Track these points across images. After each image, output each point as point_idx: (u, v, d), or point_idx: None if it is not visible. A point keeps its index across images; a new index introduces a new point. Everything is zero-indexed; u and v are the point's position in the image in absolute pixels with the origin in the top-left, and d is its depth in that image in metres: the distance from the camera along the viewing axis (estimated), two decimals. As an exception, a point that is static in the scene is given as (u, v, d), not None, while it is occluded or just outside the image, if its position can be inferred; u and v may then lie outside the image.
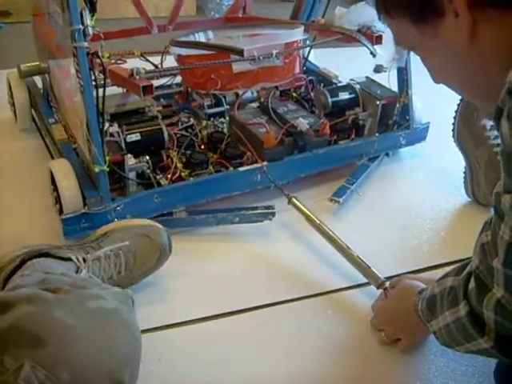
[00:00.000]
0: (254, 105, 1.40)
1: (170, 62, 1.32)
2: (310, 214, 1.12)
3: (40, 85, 1.45)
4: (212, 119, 1.36)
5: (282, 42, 1.16)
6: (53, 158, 1.30)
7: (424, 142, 1.44)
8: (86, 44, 0.97)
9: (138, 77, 1.06)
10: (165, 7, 1.65)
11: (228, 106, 1.41)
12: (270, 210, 1.13)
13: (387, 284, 0.96)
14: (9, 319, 0.66)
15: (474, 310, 0.64)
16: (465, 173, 1.28)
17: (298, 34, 1.18)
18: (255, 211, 1.13)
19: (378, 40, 1.27)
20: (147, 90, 1.03)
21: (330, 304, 0.99)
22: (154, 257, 0.97)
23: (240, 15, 1.65)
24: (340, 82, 1.52)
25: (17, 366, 0.62)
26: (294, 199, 1.15)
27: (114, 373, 0.68)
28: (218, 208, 1.15)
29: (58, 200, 1.08)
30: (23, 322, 0.66)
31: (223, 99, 1.40)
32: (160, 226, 1.00)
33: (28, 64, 1.34)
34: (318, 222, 1.09)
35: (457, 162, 1.30)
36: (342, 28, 1.24)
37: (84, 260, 0.89)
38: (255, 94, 1.45)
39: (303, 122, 1.21)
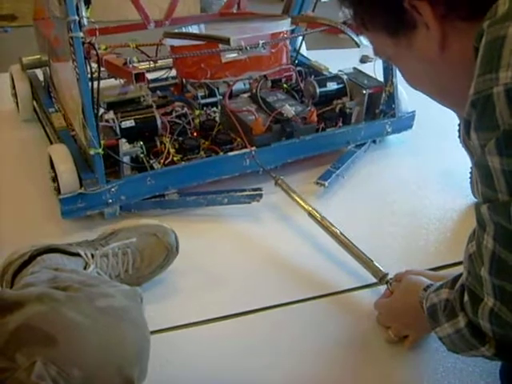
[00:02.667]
0: (246, 95, 1.46)
1: (164, 54, 1.39)
2: (295, 194, 1.17)
3: (41, 77, 1.52)
4: (205, 108, 1.42)
5: (268, 33, 1.22)
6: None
7: (410, 130, 1.50)
8: (81, 34, 1.04)
9: (131, 65, 1.12)
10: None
11: (221, 97, 1.47)
12: (257, 192, 1.19)
13: (389, 277, 0.97)
14: (20, 318, 0.67)
15: (472, 321, 0.64)
16: (471, 173, 1.29)
17: (283, 26, 1.24)
18: (243, 193, 1.19)
19: (362, 31, 1.32)
20: (139, 77, 1.09)
21: (320, 287, 1.03)
22: (161, 256, 0.99)
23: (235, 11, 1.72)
24: (330, 73, 1.58)
25: (29, 363, 0.62)
26: (280, 181, 1.20)
27: (123, 370, 0.68)
28: (208, 190, 1.20)
29: (55, 182, 1.15)
30: (34, 320, 0.67)
31: (216, 90, 1.47)
32: (167, 226, 1.01)
33: (30, 57, 1.41)
34: (302, 202, 1.15)
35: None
36: (328, 20, 1.29)
37: (92, 256, 0.92)
38: (247, 86, 1.52)
39: (289, 109, 1.27)
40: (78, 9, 1.03)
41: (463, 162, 1.17)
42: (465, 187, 1.26)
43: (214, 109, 1.42)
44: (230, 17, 1.65)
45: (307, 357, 0.90)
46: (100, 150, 1.09)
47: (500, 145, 0.50)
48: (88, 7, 1.06)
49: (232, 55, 1.20)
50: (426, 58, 0.61)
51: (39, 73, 1.52)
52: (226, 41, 1.09)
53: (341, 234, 1.07)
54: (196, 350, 0.91)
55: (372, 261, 1.01)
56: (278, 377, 0.87)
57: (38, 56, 1.39)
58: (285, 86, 1.53)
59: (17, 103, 1.51)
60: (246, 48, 1.15)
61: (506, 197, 0.52)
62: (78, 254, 0.92)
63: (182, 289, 1.02)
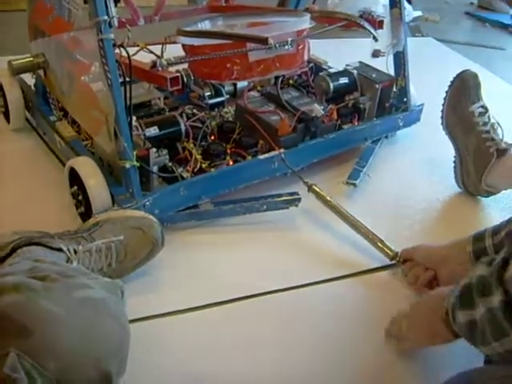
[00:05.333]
0: (254, 93, 1.40)
1: (169, 52, 1.30)
2: (330, 200, 1.14)
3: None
4: (217, 109, 1.35)
5: (295, 30, 1.16)
6: (57, 156, 1.26)
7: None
8: (112, 36, 0.94)
9: (160, 68, 1.04)
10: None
11: (228, 96, 1.41)
12: (295, 197, 1.14)
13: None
14: None
15: (510, 300, 0.59)
16: (455, 162, 1.31)
17: (307, 22, 1.19)
18: (281, 198, 1.14)
19: (379, 25, 1.30)
20: (174, 81, 1.01)
21: (362, 284, 1.03)
22: (145, 250, 0.97)
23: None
24: (330, 67, 1.55)
25: (2, 355, 0.61)
26: (314, 187, 1.16)
27: (101, 363, 0.67)
28: (243, 198, 1.14)
29: (82, 200, 1.05)
30: (9, 310, 0.65)
31: (222, 89, 1.40)
32: (153, 218, 0.99)
33: (20, 60, 1.27)
34: (340, 207, 1.12)
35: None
36: (346, 14, 1.26)
37: (75, 251, 0.89)
38: (251, 83, 1.46)
39: (318, 108, 1.22)
40: (107, 7, 0.93)
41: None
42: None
43: (226, 109, 1.36)
44: (223, 11, 1.58)
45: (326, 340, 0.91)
46: (135, 162, 1.00)
47: None
48: (116, 5, 0.96)
49: (260, 54, 1.13)
50: None
51: (25, 76, 1.39)
52: (264, 40, 1.03)
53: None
54: (191, 335, 0.90)
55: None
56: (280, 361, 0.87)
57: (30, 58, 1.26)
58: (290, 82, 1.49)
59: (4, 112, 1.37)
60: (275, 46, 1.09)
61: None
62: (60, 250, 0.87)
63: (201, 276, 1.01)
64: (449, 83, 1.28)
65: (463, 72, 1.27)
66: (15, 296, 0.67)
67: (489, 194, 1.26)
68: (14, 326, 0.64)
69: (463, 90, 1.26)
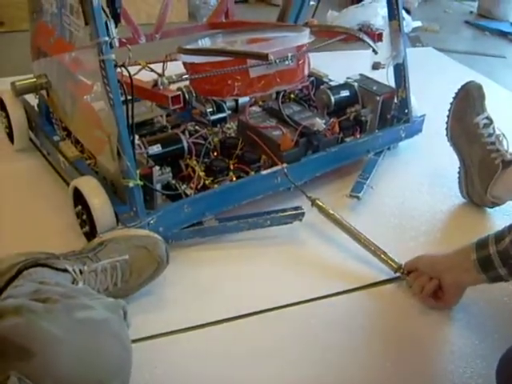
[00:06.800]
0: (256, 108, 1.41)
1: (171, 69, 1.31)
2: (333, 213, 1.14)
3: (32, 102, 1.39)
4: (219, 125, 1.36)
5: (295, 45, 1.17)
6: (61, 176, 1.26)
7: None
8: (113, 56, 0.95)
9: (162, 87, 1.05)
10: (156, 14, 1.65)
11: (230, 112, 1.42)
12: (299, 211, 1.14)
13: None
14: None
15: None
16: (459, 173, 1.31)
17: (306, 37, 1.20)
18: (285, 213, 1.14)
19: (378, 37, 1.31)
20: (176, 100, 1.02)
21: (367, 297, 1.03)
22: (151, 268, 0.97)
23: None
24: (331, 80, 1.55)
25: (3, 378, 0.61)
26: (317, 201, 1.16)
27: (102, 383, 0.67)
28: (247, 213, 1.14)
29: (86, 220, 1.05)
30: (10, 333, 0.65)
31: (224, 105, 1.40)
32: (158, 236, 0.99)
33: (23, 81, 1.28)
34: (344, 221, 1.12)
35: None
36: (345, 28, 1.27)
37: (81, 272, 0.88)
38: (252, 99, 1.46)
39: (320, 122, 1.23)
40: (107, 28, 0.94)
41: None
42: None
43: (228, 125, 1.36)
44: (222, 27, 1.59)
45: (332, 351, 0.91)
46: (139, 181, 1.01)
47: None
48: (116, 26, 0.97)
49: (261, 70, 1.14)
50: None
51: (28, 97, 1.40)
52: (264, 57, 1.03)
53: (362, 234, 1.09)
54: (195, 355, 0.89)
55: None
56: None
57: (33, 79, 1.27)
58: (292, 96, 1.50)
59: (8, 133, 1.38)
60: (275, 62, 1.10)
61: None
62: (66, 270, 0.87)
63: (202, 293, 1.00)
64: (452, 94, 1.29)
65: (468, 83, 1.28)
66: (15, 319, 0.67)
67: (494, 205, 1.26)
68: (15, 349, 0.64)
69: (468, 101, 1.26)
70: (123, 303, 0.81)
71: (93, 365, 0.67)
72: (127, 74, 0.99)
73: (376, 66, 1.39)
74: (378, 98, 1.39)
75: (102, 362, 0.69)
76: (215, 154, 1.27)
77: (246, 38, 1.33)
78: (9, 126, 1.36)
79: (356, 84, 1.44)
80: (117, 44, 0.96)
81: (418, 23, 2.75)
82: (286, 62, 1.13)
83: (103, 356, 0.69)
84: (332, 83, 1.50)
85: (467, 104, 1.26)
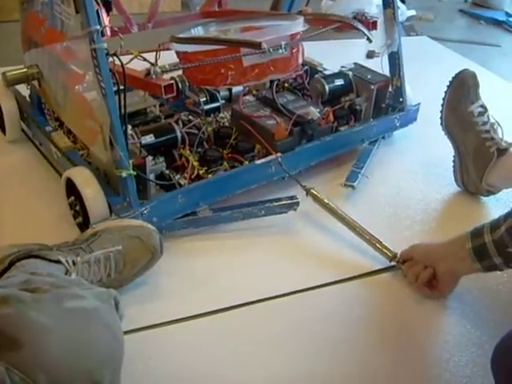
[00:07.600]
0: (250, 97, 1.40)
1: (164, 59, 1.30)
2: (328, 203, 1.14)
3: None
4: (212, 115, 1.35)
5: (288, 33, 1.16)
6: (53, 167, 1.25)
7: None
8: (105, 45, 0.94)
9: (154, 76, 1.03)
10: (149, 3, 1.64)
11: (223, 101, 1.41)
12: (294, 201, 1.14)
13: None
14: None
15: None
16: (454, 162, 1.30)
17: (300, 25, 1.19)
18: (279, 203, 1.14)
19: (373, 25, 1.30)
20: (168, 89, 1.01)
21: (363, 286, 1.03)
22: (144, 259, 0.96)
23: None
24: (325, 69, 1.54)
25: None
26: (312, 190, 1.16)
27: (93, 374, 0.66)
28: (242, 203, 1.14)
29: (79, 211, 1.04)
30: None
31: (217, 94, 1.39)
32: (152, 227, 0.98)
33: (14, 71, 1.27)
34: (339, 211, 1.12)
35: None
36: (340, 16, 1.26)
37: (74, 263, 0.88)
38: (246, 88, 1.45)
39: (314, 111, 1.22)
40: (99, 17, 0.93)
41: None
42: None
43: (222, 115, 1.35)
44: (216, 16, 1.58)
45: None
46: (132, 171, 1.00)
47: None
48: (108, 14, 0.96)
49: (254, 59, 1.13)
50: None
51: (20, 87, 1.38)
52: (257, 45, 1.02)
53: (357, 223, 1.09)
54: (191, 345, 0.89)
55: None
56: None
57: (24, 69, 1.25)
58: (286, 85, 1.49)
59: (0, 124, 1.37)
60: (269, 50, 1.09)
61: None
62: (59, 261, 0.87)
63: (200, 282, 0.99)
64: (447, 83, 1.28)
65: (462, 72, 1.27)
66: (4, 309, 0.66)
67: (489, 193, 1.26)
68: (3, 339, 0.63)
69: (462, 90, 1.26)
70: (114, 293, 0.80)
71: (82, 354, 0.67)
72: (119, 64, 0.98)
73: (370, 55, 1.38)
74: (372, 87, 1.39)
75: (92, 351, 0.68)
76: (209, 143, 1.26)
77: (239, 27, 1.32)
78: (0, 117, 1.35)
79: (350, 73, 1.43)
80: (108, 33, 0.95)
81: (413, 12, 2.73)
82: (280, 51, 1.12)
83: (93, 345, 0.69)
84: (326, 72, 1.49)
85: (461, 92, 1.26)
